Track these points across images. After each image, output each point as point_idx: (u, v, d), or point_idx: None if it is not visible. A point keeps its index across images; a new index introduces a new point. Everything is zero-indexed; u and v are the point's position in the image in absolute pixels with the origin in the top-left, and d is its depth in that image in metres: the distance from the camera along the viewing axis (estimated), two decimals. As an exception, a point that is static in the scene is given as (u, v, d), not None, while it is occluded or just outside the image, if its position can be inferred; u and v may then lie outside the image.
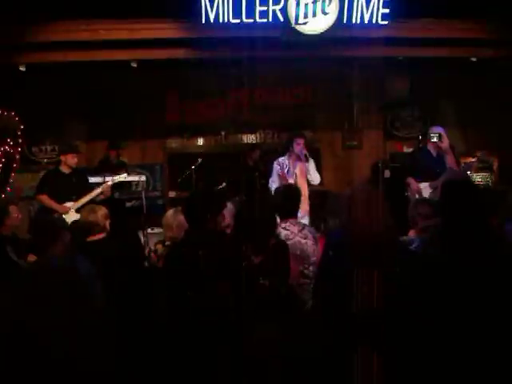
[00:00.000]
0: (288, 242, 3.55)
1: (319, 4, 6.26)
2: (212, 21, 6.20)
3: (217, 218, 3.13)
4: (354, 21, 6.42)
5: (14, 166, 6.54)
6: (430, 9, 6.49)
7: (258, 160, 7.47)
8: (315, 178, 5.99)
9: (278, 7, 6.25)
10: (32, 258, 4.05)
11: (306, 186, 5.88)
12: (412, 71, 8.07)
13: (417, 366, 2.52)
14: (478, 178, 7.75)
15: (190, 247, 2.97)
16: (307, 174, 5.93)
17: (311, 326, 2.87)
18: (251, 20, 6.26)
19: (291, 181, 5.80)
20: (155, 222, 6.01)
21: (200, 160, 7.24)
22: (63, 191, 5.80)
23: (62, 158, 5.93)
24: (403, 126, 8.80)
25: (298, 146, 5.90)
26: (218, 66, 7.63)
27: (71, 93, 7.65)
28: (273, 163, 6.06)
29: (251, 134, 8.63)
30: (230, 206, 4.16)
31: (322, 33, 6.39)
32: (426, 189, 5.92)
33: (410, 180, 6.06)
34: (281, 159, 6.02)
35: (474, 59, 7.36)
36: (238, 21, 6.25)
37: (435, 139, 5.87)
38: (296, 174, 5.90)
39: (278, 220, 4.02)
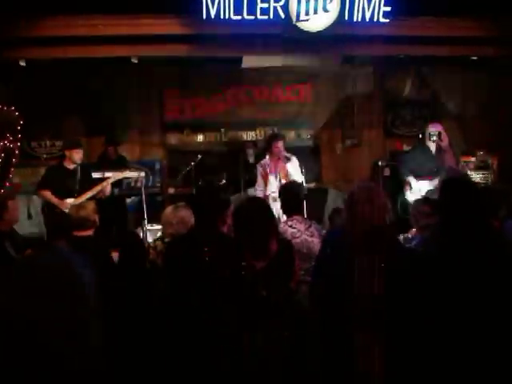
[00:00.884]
0: (295, 241, 3.53)
1: (320, 1, 6.24)
2: (213, 17, 6.17)
3: (225, 216, 3.07)
4: (355, 18, 6.40)
5: (14, 161, 6.52)
6: (431, 7, 6.47)
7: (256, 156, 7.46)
8: (296, 178, 5.90)
9: (279, 4, 6.23)
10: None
11: None
12: (413, 69, 8.06)
13: (416, 361, 2.52)
14: (477, 176, 7.76)
15: (195, 244, 2.93)
16: (289, 175, 5.92)
17: (308, 326, 2.86)
18: (252, 17, 6.24)
19: (274, 181, 5.83)
20: (154, 219, 6.00)
21: (199, 157, 7.23)
22: (67, 187, 5.79)
23: (67, 153, 5.93)
24: (403, 124, 8.80)
25: (277, 149, 5.96)
26: (219, 63, 7.62)
27: (71, 88, 7.61)
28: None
29: (251, 131, 8.62)
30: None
31: (323, 30, 6.37)
32: (425, 186, 5.93)
33: (410, 178, 6.07)
34: (263, 161, 6.12)
35: (474, 57, 7.36)
36: (239, 17, 6.23)
37: (435, 138, 5.87)
38: (279, 174, 5.92)
39: (284, 217, 4.03)
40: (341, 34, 6.51)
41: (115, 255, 3.79)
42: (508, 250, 2.74)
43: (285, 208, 4.09)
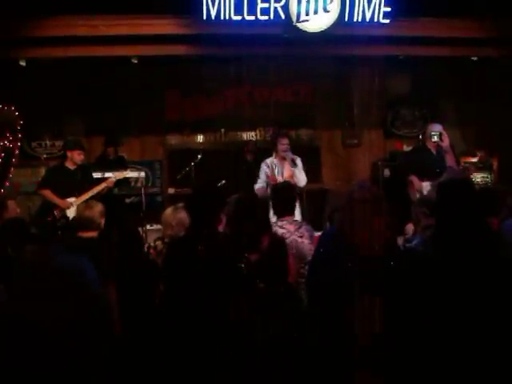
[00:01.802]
0: None
1: (321, 2, 6.25)
2: (213, 17, 6.18)
3: (220, 215, 3.09)
4: (355, 19, 6.40)
5: (14, 161, 6.53)
6: (431, 8, 6.48)
7: (256, 155, 7.44)
8: (301, 180, 5.89)
9: (279, 4, 6.23)
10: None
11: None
12: (413, 70, 8.06)
13: (416, 362, 2.53)
14: (477, 177, 7.76)
15: (192, 244, 2.94)
16: (293, 176, 5.89)
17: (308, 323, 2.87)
18: (253, 17, 6.24)
19: (280, 180, 5.81)
20: (154, 219, 6.00)
21: (200, 157, 7.23)
22: (67, 187, 5.80)
23: (68, 153, 5.93)
24: (403, 124, 8.79)
25: (283, 146, 5.93)
26: (219, 63, 7.62)
27: (71, 88, 7.62)
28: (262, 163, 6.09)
29: (251, 131, 8.62)
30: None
31: (323, 31, 6.37)
32: (427, 187, 5.91)
33: (413, 178, 6.02)
34: (269, 160, 6.05)
35: (474, 58, 7.35)
36: (239, 18, 6.23)
37: (436, 138, 5.84)
38: (284, 174, 5.90)
39: (275, 218, 4.02)
40: (341, 35, 6.52)
41: None
42: (505, 250, 2.74)
43: (276, 209, 4.07)
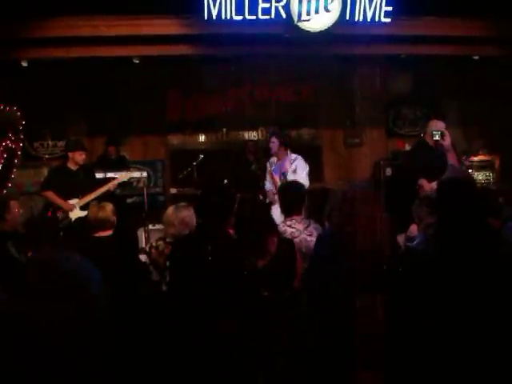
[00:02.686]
0: (294, 240, 3.53)
1: (322, 1, 6.25)
2: (214, 17, 6.19)
3: (230, 216, 3.08)
4: (356, 18, 6.41)
5: (16, 161, 6.53)
6: (433, 7, 6.48)
7: (258, 154, 7.45)
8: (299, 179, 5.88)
9: (280, 4, 6.24)
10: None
11: None
12: (414, 69, 8.05)
13: (416, 362, 2.53)
14: (479, 176, 7.74)
15: (200, 244, 2.92)
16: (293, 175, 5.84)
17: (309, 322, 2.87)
18: (254, 17, 6.25)
19: (278, 182, 5.81)
20: (156, 219, 6.01)
21: (201, 156, 7.24)
22: (70, 188, 5.82)
23: (70, 154, 5.94)
24: (405, 123, 8.78)
25: (272, 144, 5.95)
26: (220, 63, 7.62)
27: (73, 88, 7.63)
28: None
29: (252, 130, 8.62)
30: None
31: (324, 30, 6.37)
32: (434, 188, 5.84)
33: (423, 181, 5.92)
34: (271, 159, 6.11)
35: (476, 57, 7.35)
36: (240, 17, 6.24)
37: (437, 137, 5.81)
38: (283, 175, 5.88)
39: (283, 217, 4.02)
40: (342, 34, 6.51)
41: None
42: (506, 250, 2.74)
43: (284, 208, 4.08)
